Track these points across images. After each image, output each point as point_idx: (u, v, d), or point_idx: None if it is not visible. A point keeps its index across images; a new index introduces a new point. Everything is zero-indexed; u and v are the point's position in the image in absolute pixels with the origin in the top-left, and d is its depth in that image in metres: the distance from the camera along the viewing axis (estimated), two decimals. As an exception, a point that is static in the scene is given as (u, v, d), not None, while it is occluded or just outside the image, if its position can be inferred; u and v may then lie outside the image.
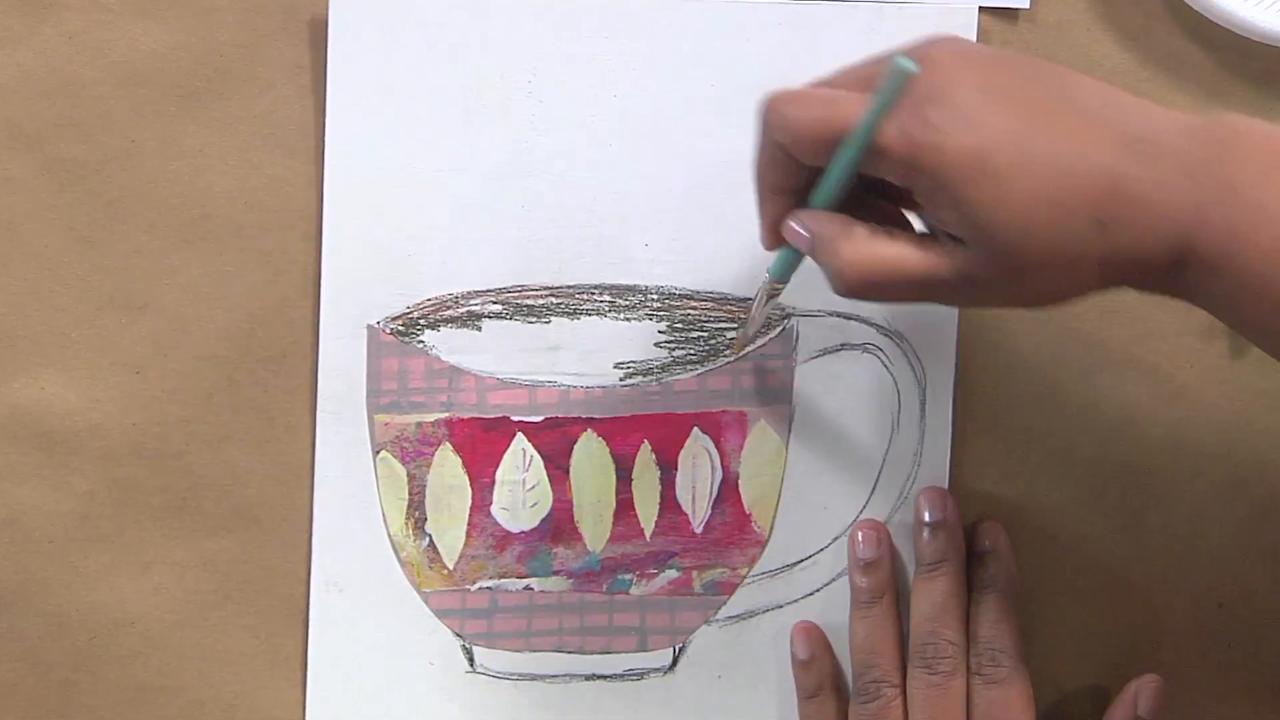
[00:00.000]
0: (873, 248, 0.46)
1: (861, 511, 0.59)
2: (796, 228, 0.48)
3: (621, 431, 0.58)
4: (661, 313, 0.58)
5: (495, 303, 0.58)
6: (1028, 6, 0.58)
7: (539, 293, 0.58)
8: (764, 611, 0.59)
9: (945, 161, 0.43)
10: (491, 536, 0.58)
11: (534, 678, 0.59)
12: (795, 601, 0.59)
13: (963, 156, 0.43)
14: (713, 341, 0.58)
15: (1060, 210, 0.43)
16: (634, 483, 0.58)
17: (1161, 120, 0.44)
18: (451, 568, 0.59)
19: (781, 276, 0.52)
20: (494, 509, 0.58)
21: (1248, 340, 0.46)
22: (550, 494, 0.58)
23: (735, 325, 0.58)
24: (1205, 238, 0.43)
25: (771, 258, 0.52)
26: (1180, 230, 0.43)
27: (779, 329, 0.59)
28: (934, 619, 0.56)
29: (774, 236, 0.50)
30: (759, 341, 0.58)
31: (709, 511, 0.59)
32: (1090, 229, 0.43)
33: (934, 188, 0.44)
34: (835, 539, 0.59)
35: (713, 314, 0.59)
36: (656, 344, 0.58)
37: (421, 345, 0.58)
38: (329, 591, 0.59)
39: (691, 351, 0.58)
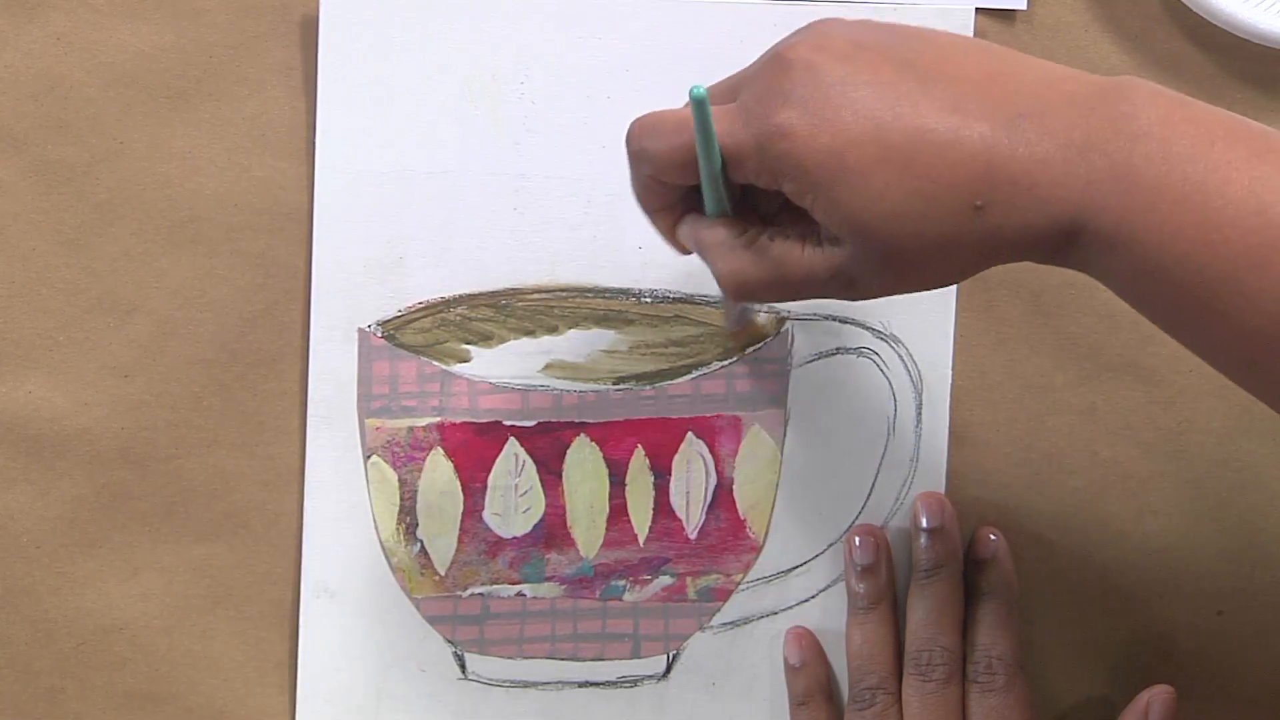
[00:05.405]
0: (749, 254, 0.46)
1: (857, 517, 0.58)
2: (683, 240, 0.48)
3: (615, 436, 0.58)
4: (654, 316, 0.58)
5: (488, 306, 0.58)
6: (1025, 7, 0.58)
7: (532, 296, 0.58)
8: (759, 618, 0.59)
9: (803, 165, 0.42)
10: (484, 542, 0.58)
11: (526, 685, 0.59)
12: (790, 608, 0.59)
13: (819, 157, 0.42)
14: (707, 345, 0.58)
15: (929, 199, 0.41)
16: (628, 488, 0.58)
17: (1052, 90, 0.42)
18: (443, 574, 0.58)
19: None
20: (486, 514, 0.58)
21: (1144, 316, 0.44)
22: (543, 499, 0.58)
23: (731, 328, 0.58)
24: (1097, 217, 0.41)
25: None
26: (1068, 209, 0.41)
27: (774, 333, 0.58)
28: (930, 625, 0.56)
29: (680, 246, 0.49)
30: (757, 345, 0.58)
31: (703, 517, 0.58)
32: (965, 214, 0.41)
33: (797, 191, 0.43)
34: (830, 545, 0.59)
35: (706, 318, 0.58)
36: (650, 348, 0.58)
37: (413, 349, 0.58)
38: (319, 597, 0.58)
39: (685, 355, 0.58)
